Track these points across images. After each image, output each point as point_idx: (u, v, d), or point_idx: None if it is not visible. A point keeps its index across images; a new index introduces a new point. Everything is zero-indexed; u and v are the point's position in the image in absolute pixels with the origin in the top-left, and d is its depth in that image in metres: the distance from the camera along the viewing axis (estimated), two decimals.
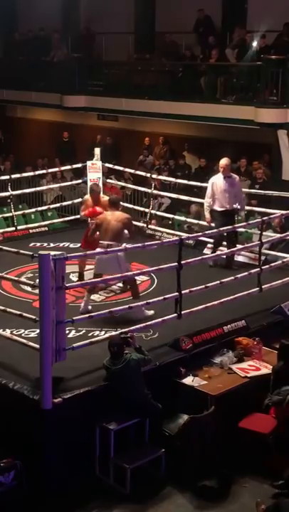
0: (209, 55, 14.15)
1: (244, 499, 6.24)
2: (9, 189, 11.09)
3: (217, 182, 9.86)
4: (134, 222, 11.74)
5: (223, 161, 9.90)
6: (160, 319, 7.41)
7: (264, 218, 8.92)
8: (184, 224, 11.74)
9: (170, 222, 12.01)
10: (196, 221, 11.17)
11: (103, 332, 7.32)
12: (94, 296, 8.48)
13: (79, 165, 12.27)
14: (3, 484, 5.91)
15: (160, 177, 12.69)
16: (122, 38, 16.38)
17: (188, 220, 11.43)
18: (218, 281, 7.99)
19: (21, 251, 6.81)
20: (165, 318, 7.41)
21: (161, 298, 7.49)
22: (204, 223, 10.27)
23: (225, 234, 9.38)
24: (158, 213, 12.09)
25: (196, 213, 11.79)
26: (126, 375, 6.38)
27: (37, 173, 12.68)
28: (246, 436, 6.59)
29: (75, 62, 16.17)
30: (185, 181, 11.95)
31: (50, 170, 13.40)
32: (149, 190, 11.76)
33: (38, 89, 16.93)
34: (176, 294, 7.40)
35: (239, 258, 9.99)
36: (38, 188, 12.79)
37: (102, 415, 6.35)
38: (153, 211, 11.78)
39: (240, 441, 6.59)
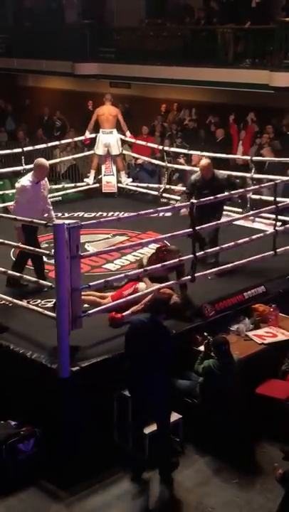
0: (221, 19, 13.91)
1: (261, 464, 6.26)
2: (23, 164, 10.84)
3: None
4: (150, 192, 11.71)
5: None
6: (174, 281, 7.29)
7: (277, 181, 8.70)
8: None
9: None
10: None
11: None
12: (109, 265, 8.49)
13: (93, 135, 12.14)
14: (24, 452, 6.00)
15: (172, 149, 12.30)
16: (133, 2, 16.13)
17: None
18: (232, 243, 7.90)
19: (35, 220, 6.78)
20: (178, 281, 7.29)
21: (177, 260, 7.23)
22: None
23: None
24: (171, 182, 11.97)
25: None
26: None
27: (50, 144, 12.40)
28: (263, 402, 6.61)
29: (85, 28, 15.98)
30: (198, 152, 11.31)
31: (63, 141, 13.25)
32: (163, 163, 11.59)
33: (48, 57, 16.76)
34: (191, 256, 7.27)
35: (255, 225, 9.89)
36: (51, 161, 12.64)
37: (120, 383, 6.32)
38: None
39: (258, 407, 6.61)
